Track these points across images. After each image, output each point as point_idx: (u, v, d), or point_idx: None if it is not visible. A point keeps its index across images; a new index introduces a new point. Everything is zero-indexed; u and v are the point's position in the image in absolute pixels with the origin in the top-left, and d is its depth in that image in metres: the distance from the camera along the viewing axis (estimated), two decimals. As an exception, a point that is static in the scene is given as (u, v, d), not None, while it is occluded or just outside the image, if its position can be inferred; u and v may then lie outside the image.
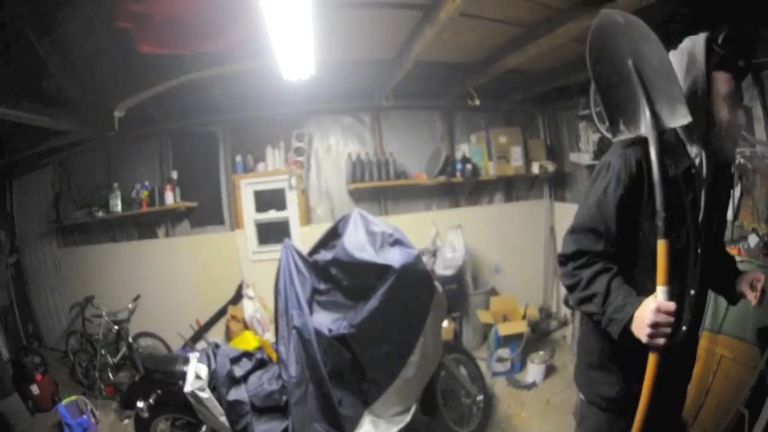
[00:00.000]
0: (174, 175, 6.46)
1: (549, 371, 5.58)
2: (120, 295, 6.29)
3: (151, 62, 4.51)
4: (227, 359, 4.06)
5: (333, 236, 4.12)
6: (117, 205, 6.37)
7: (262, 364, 4.29)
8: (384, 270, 3.63)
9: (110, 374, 6.04)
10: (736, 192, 4.00)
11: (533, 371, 5.50)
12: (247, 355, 4.31)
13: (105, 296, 6.39)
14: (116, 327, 6.10)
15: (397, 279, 3.60)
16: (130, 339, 6.11)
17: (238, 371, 4.03)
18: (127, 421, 4.66)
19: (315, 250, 4.19)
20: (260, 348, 4.71)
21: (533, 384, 5.42)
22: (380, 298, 3.62)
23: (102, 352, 6.03)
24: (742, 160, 3.83)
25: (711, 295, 3.45)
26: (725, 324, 3.77)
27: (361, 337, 3.67)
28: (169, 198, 6.34)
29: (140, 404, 3.89)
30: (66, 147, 6.56)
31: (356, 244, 3.82)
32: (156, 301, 6.42)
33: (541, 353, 5.63)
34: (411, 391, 3.94)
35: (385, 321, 3.69)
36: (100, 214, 6.43)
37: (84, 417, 5.08)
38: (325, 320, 3.84)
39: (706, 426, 3.77)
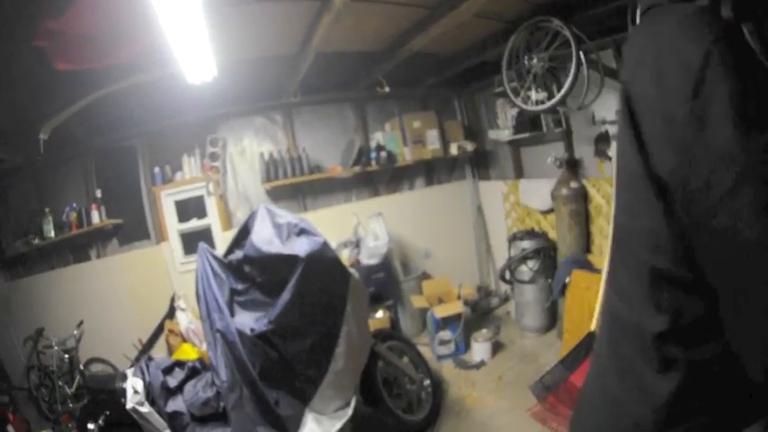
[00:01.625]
0: (99, 193, 6.43)
1: (497, 348, 5.63)
2: (67, 323, 6.26)
3: (72, 80, 4.50)
4: (159, 370, 4.10)
5: (244, 234, 4.14)
6: (50, 231, 6.35)
7: (195, 372, 4.33)
8: (292, 261, 3.65)
9: (70, 405, 5.94)
10: None
11: (479, 350, 5.54)
12: (179, 364, 4.35)
13: (54, 325, 6.36)
14: (66, 356, 6.09)
15: (306, 268, 3.62)
16: (81, 366, 6.10)
17: (172, 381, 4.07)
18: None
19: (229, 251, 4.22)
20: (199, 359, 4.73)
21: (482, 363, 5.46)
22: (292, 290, 3.65)
23: (60, 383, 6.01)
24: None
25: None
26: None
27: (280, 332, 3.67)
28: (95, 217, 6.32)
29: (91, 426, 3.90)
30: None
31: (263, 238, 3.86)
32: (99, 324, 6.41)
33: (484, 331, 5.66)
34: (347, 384, 3.96)
35: (302, 313, 3.72)
36: (36, 242, 6.40)
37: None
38: (247, 320, 3.84)
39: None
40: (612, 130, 4.54)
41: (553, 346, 5.31)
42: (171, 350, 6.00)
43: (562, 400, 3.88)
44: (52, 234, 6.37)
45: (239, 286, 4.03)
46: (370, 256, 5.99)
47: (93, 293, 6.59)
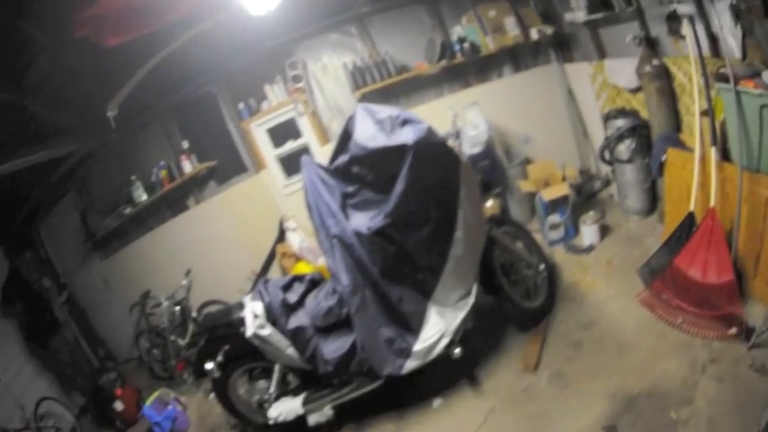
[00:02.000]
0: (185, 144, 6.51)
1: (604, 231, 5.42)
2: (173, 278, 6.35)
3: (126, 55, 4.50)
4: (278, 288, 4.07)
5: (345, 140, 4.01)
6: (141, 195, 6.45)
7: (314, 285, 4.30)
8: (400, 151, 3.49)
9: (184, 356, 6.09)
10: (737, 32, 3.72)
11: (588, 233, 5.34)
12: (298, 279, 4.32)
13: (160, 285, 6.48)
14: (177, 308, 6.16)
15: (415, 155, 3.46)
16: (194, 314, 6.11)
17: (292, 296, 4.05)
18: (212, 396, 4.60)
19: (334, 158, 4.13)
20: (317, 272, 4.65)
21: (591, 247, 5.28)
22: (405, 179, 3.50)
23: (172, 338, 6.09)
24: (734, 1, 3.56)
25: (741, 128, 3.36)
26: (762, 161, 3.43)
27: (398, 224, 3.58)
28: (187, 166, 6.42)
29: (209, 365, 3.93)
30: (76, 168, 6.66)
31: (367, 135, 3.71)
32: (208, 268, 6.52)
33: (592, 213, 5.44)
34: (467, 271, 3.85)
35: (417, 202, 3.59)
36: (128, 211, 6.51)
37: (170, 407, 5.12)
38: (362, 221, 3.77)
39: (768, 277, 3.52)
40: (680, 8, 4.21)
41: (656, 229, 5.08)
42: (285, 272, 6.00)
43: (668, 286, 3.84)
44: (144, 197, 6.48)
45: (349, 189, 3.98)
46: (472, 145, 5.79)
47: (196, 240, 6.73)
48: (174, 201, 6.75)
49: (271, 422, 4.07)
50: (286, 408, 4.00)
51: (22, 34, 3.80)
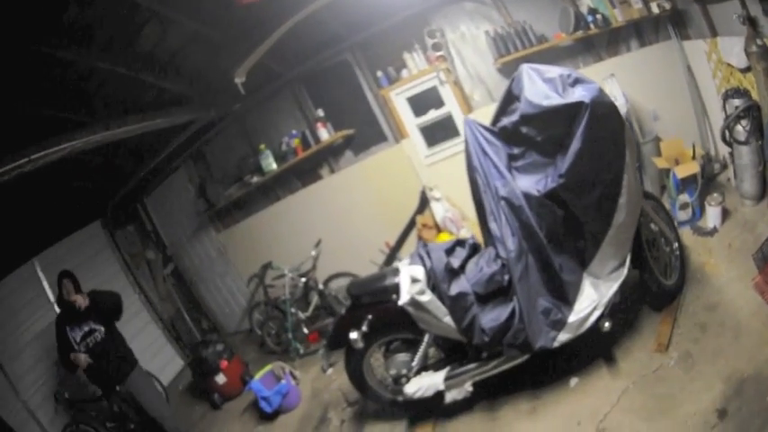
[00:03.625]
0: (321, 112, 6.52)
1: (725, 215, 5.32)
2: (298, 249, 6.42)
3: (251, 22, 4.56)
4: (442, 252, 4.00)
5: (509, 100, 3.92)
6: (271, 164, 6.49)
7: (476, 250, 4.24)
8: (576, 109, 3.43)
9: (304, 330, 6.14)
10: None
11: (712, 215, 5.25)
12: (460, 243, 4.26)
13: (282, 257, 6.52)
14: (302, 279, 6.22)
15: (592, 114, 3.39)
16: (321, 286, 6.17)
17: (455, 261, 3.96)
18: (330, 370, 4.67)
19: (496, 120, 4.03)
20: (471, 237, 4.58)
21: (714, 230, 5.19)
22: (581, 138, 3.43)
23: (293, 310, 6.10)
24: None
25: None
26: None
27: (571, 185, 3.52)
28: (323, 134, 6.42)
29: (353, 335, 3.82)
30: (193, 139, 6.74)
31: (540, 94, 3.61)
32: (338, 239, 6.53)
33: (716, 194, 5.33)
34: (624, 240, 3.79)
35: (591, 162, 3.50)
36: (255, 180, 6.57)
37: (283, 382, 5.13)
38: (529, 183, 3.72)
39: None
40: None
41: (766, 215, 4.97)
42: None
43: None
44: (274, 166, 6.52)
45: (515, 150, 3.90)
46: (613, 117, 5.70)
47: (328, 211, 6.74)
48: (306, 170, 6.79)
49: (401, 399, 4.06)
50: (426, 383, 3.96)
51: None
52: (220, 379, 5.78)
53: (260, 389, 5.06)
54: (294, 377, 5.35)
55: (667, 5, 6.30)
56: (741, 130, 5.17)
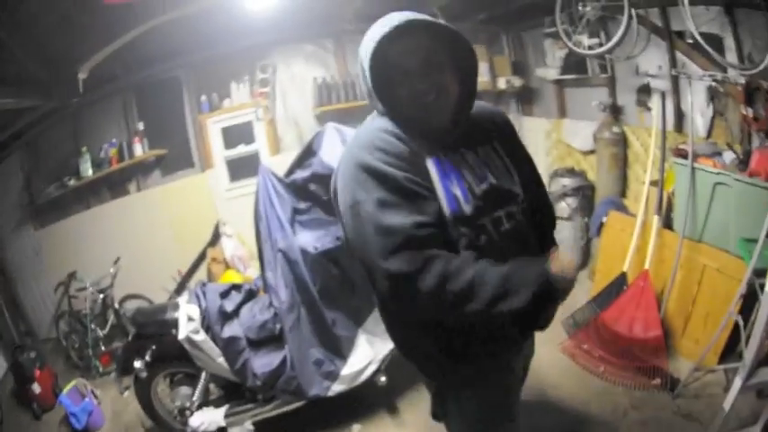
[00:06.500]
0: (141, 126, 6.34)
1: None
2: (102, 262, 6.12)
3: (115, 19, 4.43)
4: (217, 294, 4.00)
5: (307, 155, 4.03)
6: (87, 169, 6.22)
7: (251, 295, 4.25)
8: None
9: (101, 348, 5.88)
10: (708, 112, 4.20)
11: None
12: (236, 287, 4.27)
13: (88, 267, 6.23)
14: (101, 296, 5.95)
15: None
16: (116, 305, 5.98)
17: (229, 305, 3.97)
18: (127, 393, 4.61)
19: (290, 171, 4.14)
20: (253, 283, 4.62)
21: None
22: None
23: (92, 326, 5.86)
24: (713, 83, 3.91)
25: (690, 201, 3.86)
26: (705, 233, 3.87)
27: (346, 249, 3.48)
28: (138, 150, 6.25)
29: (137, 364, 3.79)
30: (29, 127, 6.33)
31: (333, 156, 3.68)
32: (137, 260, 6.29)
33: None
34: None
35: None
36: (71, 183, 6.28)
37: (87, 399, 4.90)
38: (308, 239, 3.81)
39: (697, 336, 3.88)
40: (654, 83, 4.76)
41: (584, 285, 5.27)
42: (213, 279, 5.97)
43: (591, 337, 4.08)
44: (90, 173, 6.25)
45: (301, 205, 4.03)
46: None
47: (131, 228, 6.51)
48: (116, 182, 6.55)
49: (189, 431, 3.98)
50: (208, 418, 3.92)
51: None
52: (36, 388, 5.37)
53: (68, 404, 4.78)
54: (95, 396, 5.09)
55: (517, 83, 6.71)
56: (565, 206, 5.58)
